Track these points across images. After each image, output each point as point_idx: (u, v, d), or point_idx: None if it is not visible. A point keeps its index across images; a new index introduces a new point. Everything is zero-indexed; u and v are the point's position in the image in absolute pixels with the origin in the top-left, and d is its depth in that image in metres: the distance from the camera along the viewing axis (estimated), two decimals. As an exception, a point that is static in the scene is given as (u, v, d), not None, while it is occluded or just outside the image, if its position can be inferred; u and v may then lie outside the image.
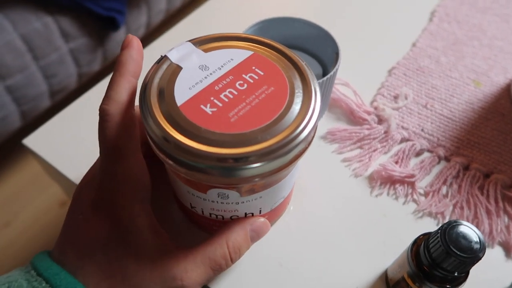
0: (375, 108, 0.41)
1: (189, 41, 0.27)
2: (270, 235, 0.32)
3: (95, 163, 0.28)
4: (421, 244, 0.26)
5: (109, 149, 0.24)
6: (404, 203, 0.35)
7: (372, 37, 0.49)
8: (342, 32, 0.49)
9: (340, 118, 0.40)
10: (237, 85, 0.24)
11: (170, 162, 0.22)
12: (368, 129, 0.39)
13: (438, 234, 0.24)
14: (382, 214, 0.34)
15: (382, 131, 0.39)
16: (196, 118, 0.22)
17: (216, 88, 0.24)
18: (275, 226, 0.33)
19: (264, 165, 0.21)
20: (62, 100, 0.99)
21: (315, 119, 0.23)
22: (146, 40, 1.24)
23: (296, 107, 0.23)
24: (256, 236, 0.27)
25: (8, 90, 0.78)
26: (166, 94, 0.23)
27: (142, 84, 0.24)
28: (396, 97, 0.42)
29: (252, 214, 0.28)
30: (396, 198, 0.35)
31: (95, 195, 0.24)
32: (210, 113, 0.23)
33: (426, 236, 0.26)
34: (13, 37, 0.76)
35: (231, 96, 0.23)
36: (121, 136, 0.24)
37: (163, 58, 0.25)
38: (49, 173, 0.42)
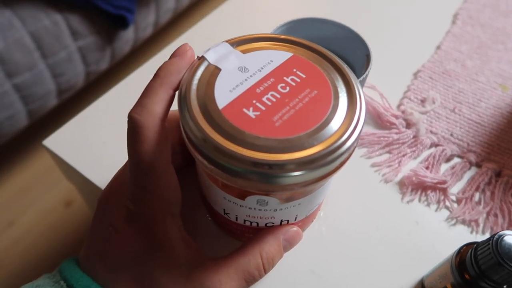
0: (403, 112, 0.40)
1: (226, 41, 0.26)
2: (301, 241, 0.32)
3: (121, 171, 0.26)
4: (466, 255, 0.25)
5: (140, 164, 0.22)
6: (436, 210, 0.34)
7: (396, 38, 0.48)
8: (364, 33, 0.48)
9: (367, 121, 0.40)
10: (279, 88, 0.23)
11: (212, 166, 0.21)
12: (396, 133, 0.38)
13: (489, 245, 0.23)
14: (414, 221, 0.33)
15: (411, 136, 0.38)
16: (239, 122, 0.21)
17: (258, 91, 0.23)
18: (306, 232, 0.32)
19: (310, 173, 0.21)
20: (69, 99, 0.97)
21: (362, 124, 0.22)
22: (154, 39, 1.23)
23: (342, 111, 0.22)
24: (288, 245, 0.27)
25: (16, 88, 0.77)
26: (206, 96, 0.23)
27: (180, 86, 0.23)
28: (423, 101, 0.41)
29: (288, 221, 0.27)
30: (428, 205, 0.34)
31: (127, 207, 0.23)
32: (254, 117, 0.22)
33: (470, 247, 0.26)
34: (22, 35, 0.75)
35: (273, 100, 0.23)
36: (154, 151, 0.22)
37: (200, 59, 0.25)
38: (67, 175, 0.41)
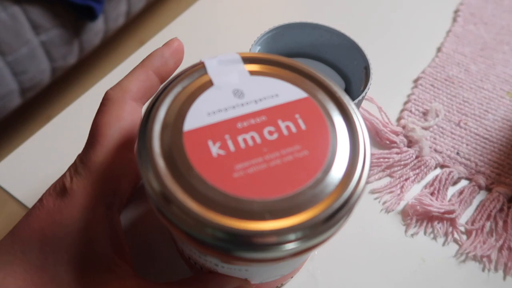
0: (403, 127, 0.36)
1: (239, 53, 0.20)
2: (294, 283, 0.27)
3: None
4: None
5: (92, 136, 0.21)
6: (444, 244, 0.30)
7: (392, 40, 0.43)
8: (356, 35, 0.43)
9: (364, 139, 0.35)
10: (265, 131, 0.18)
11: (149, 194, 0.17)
12: (397, 153, 0.34)
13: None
14: (420, 258, 0.30)
15: (414, 156, 0.34)
16: (194, 155, 0.17)
17: (239, 125, 0.18)
18: (297, 276, 0.28)
19: (254, 254, 0.15)
20: (34, 97, 0.90)
21: (345, 218, 0.16)
22: (127, 29, 1.15)
23: (326, 188, 0.16)
24: None
25: (-29, 89, 0.70)
26: (179, 112, 0.18)
27: (157, 91, 0.19)
28: (425, 113, 0.37)
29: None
30: (435, 238, 0.31)
31: (63, 183, 0.20)
32: (215, 155, 0.17)
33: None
34: (-25, 30, 0.67)
35: (250, 143, 0.17)
36: (112, 125, 0.20)
37: (198, 65, 0.20)
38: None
